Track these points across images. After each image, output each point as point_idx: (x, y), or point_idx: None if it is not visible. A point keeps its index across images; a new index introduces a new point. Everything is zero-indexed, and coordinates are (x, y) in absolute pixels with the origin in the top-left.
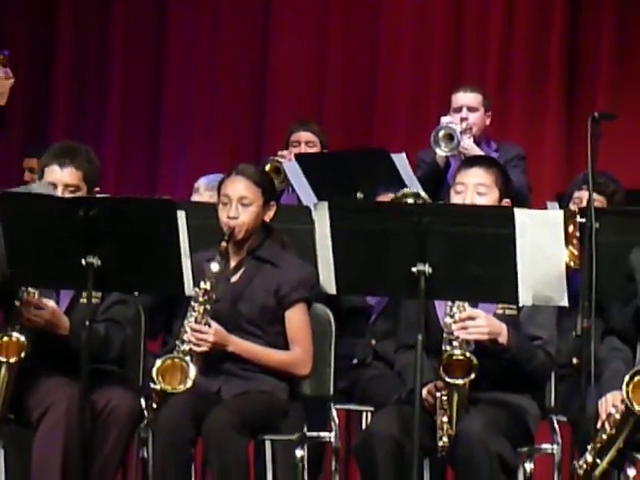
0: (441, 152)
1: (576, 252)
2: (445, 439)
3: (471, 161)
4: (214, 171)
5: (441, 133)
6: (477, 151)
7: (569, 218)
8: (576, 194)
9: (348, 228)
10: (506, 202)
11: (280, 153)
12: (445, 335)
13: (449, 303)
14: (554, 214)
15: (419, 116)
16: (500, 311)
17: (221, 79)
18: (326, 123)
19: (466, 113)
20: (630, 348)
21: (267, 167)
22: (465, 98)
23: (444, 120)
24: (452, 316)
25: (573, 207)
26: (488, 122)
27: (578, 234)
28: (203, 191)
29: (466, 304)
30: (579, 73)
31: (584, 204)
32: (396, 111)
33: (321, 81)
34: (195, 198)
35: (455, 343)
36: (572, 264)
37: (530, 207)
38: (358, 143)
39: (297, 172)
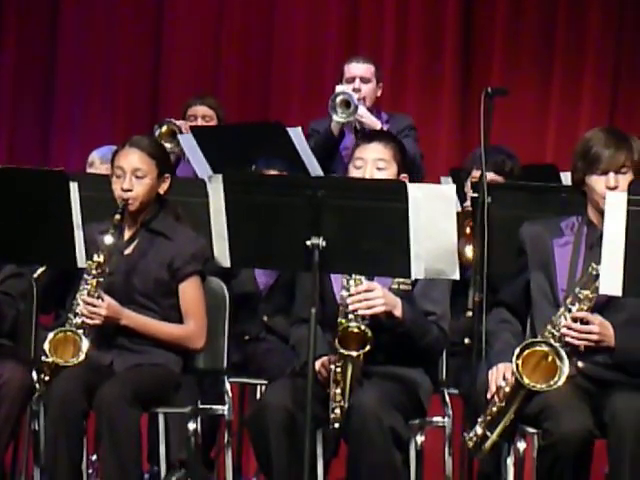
0: (338, 118)
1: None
2: (338, 411)
3: (370, 136)
4: (108, 143)
5: (338, 99)
6: (373, 120)
7: (466, 218)
8: (474, 172)
9: (242, 201)
10: (403, 177)
11: (177, 123)
12: (341, 308)
13: (345, 276)
14: (446, 189)
15: (314, 89)
16: (395, 286)
17: (117, 52)
18: (222, 97)
19: (359, 84)
20: (519, 321)
21: (163, 129)
22: (358, 69)
23: (339, 88)
24: (348, 289)
25: (469, 187)
26: (379, 93)
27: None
28: (99, 165)
29: (363, 278)
30: (474, 47)
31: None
32: (292, 84)
33: (217, 54)
34: (91, 172)
35: (350, 316)
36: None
37: (425, 175)
38: (254, 117)
39: (192, 145)
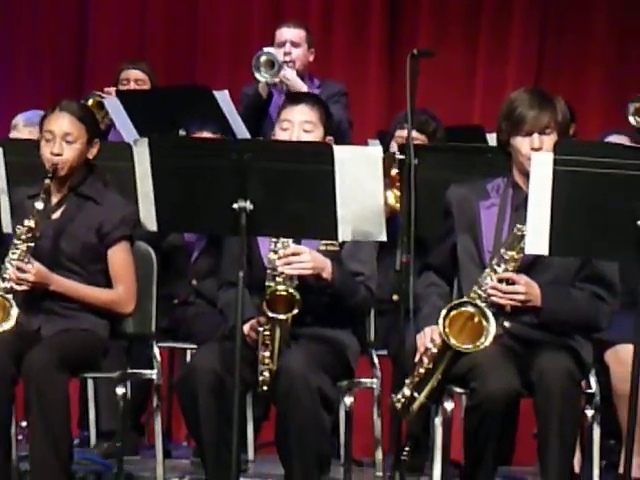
0: (261, 77)
1: (399, 193)
2: (266, 374)
3: (297, 98)
4: (34, 108)
5: (262, 58)
6: (299, 83)
7: (390, 160)
8: (397, 132)
9: (168, 165)
10: (329, 139)
11: (106, 90)
12: (268, 271)
13: (273, 239)
14: (373, 150)
15: (241, 53)
16: (323, 247)
17: (42, 18)
18: (148, 62)
19: (289, 48)
20: (447, 283)
21: (89, 102)
22: (289, 33)
23: (266, 49)
24: (276, 252)
25: (393, 148)
26: (311, 58)
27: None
28: (22, 127)
29: (290, 240)
30: (401, 9)
31: None
32: (218, 49)
33: (142, 19)
34: (14, 135)
35: (278, 279)
36: (398, 206)
37: (350, 141)
38: (181, 82)
39: (119, 108)
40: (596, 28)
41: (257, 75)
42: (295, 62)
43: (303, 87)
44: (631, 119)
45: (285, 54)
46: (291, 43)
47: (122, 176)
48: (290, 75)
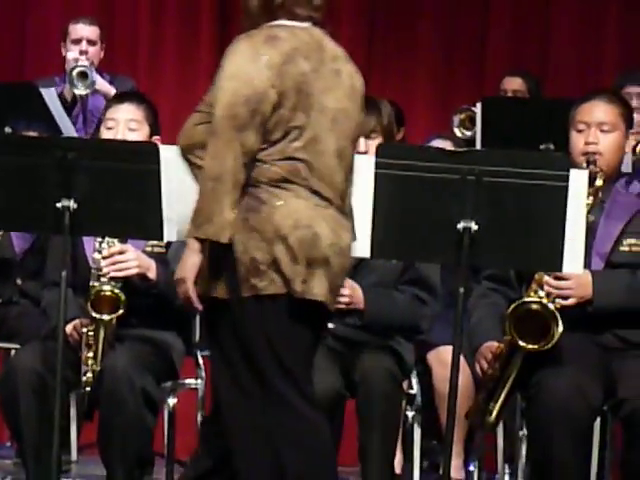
0: (79, 91)
1: None
2: (89, 375)
3: (121, 97)
4: None
5: (75, 72)
6: (107, 87)
7: None
8: None
9: None
10: (156, 139)
11: None
12: (93, 271)
13: (98, 239)
14: None
15: None
16: (149, 249)
17: None
18: None
19: (86, 46)
20: None
21: None
22: (85, 30)
23: (71, 56)
24: (100, 252)
25: None
26: (102, 55)
27: None
28: None
29: (116, 240)
30: (232, 7)
31: None
32: (48, 47)
33: None
34: None
35: (103, 279)
36: None
37: None
38: (9, 78)
39: None
40: (422, 32)
41: (75, 90)
42: (93, 60)
43: (111, 90)
44: (456, 131)
45: (81, 52)
46: (87, 41)
47: None
48: (99, 81)
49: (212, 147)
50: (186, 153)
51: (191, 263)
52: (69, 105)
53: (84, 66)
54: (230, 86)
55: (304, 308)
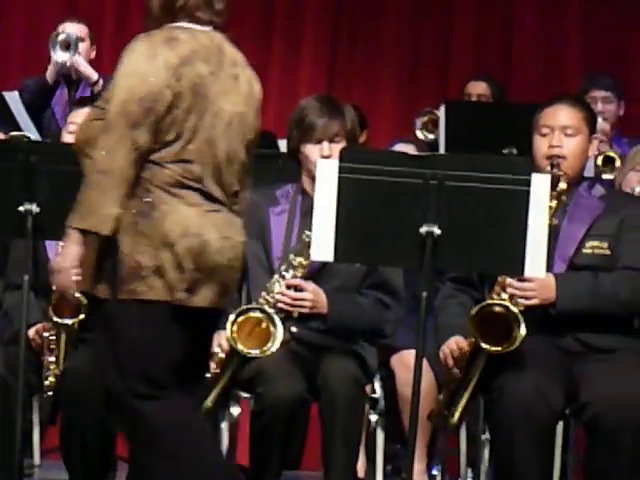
0: (55, 56)
1: None
2: (52, 379)
3: (84, 102)
4: None
5: (60, 37)
6: (90, 69)
7: None
8: None
9: None
10: None
11: None
12: None
13: (60, 243)
14: None
15: (34, 53)
16: None
17: None
18: None
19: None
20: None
21: None
22: (73, 28)
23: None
24: None
25: None
26: (93, 55)
27: None
28: None
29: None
30: None
31: None
32: (10, 49)
33: None
34: None
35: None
36: None
37: None
38: None
39: None
40: (388, 35)
41: (52, 53)
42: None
43: (93, 75)
44: (419, 134)
45: None
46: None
47: None
48: (82, 62)
49: (104, 142)
50: (82, 147)
51: (70, 253)
52: (50, 88)
53: (69, 34)
54: (126, 84)
55: (189, 314)
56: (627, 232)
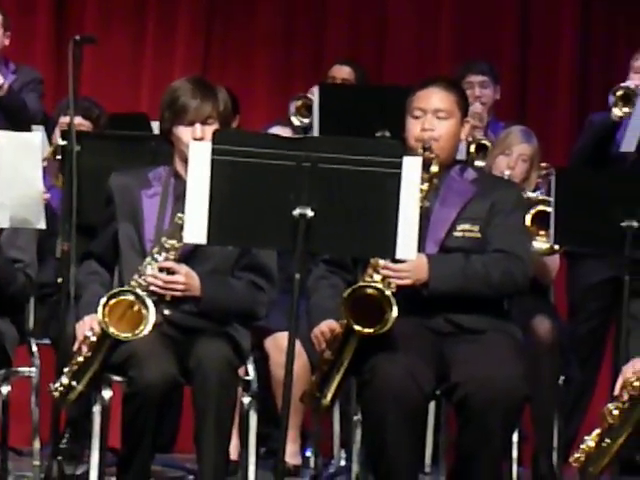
0: None
1: None
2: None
3: None
4: None
5: None
6: None
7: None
8: (61, 119)
9: None
10: None
11: None
12: None
13: None
14: (31, 137)
15: None
16: None
17: None
18: None
19: None
20: (108, 271)
21: None
22: None
23: None
24: None
25: (57, 135)
26: (7, 42)
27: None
28: None
29: None
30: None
31: None
32: None
33: None
34: None
35: None
36: None
37: None
38: None
39: None
40: (262, 19)
41: None
42: None
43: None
44: (293, 118)
45: None
46: None
47: None
48: None
49: None
50: None
51: None
52: None
53: None
54: None
55: None
56: (497, 216)
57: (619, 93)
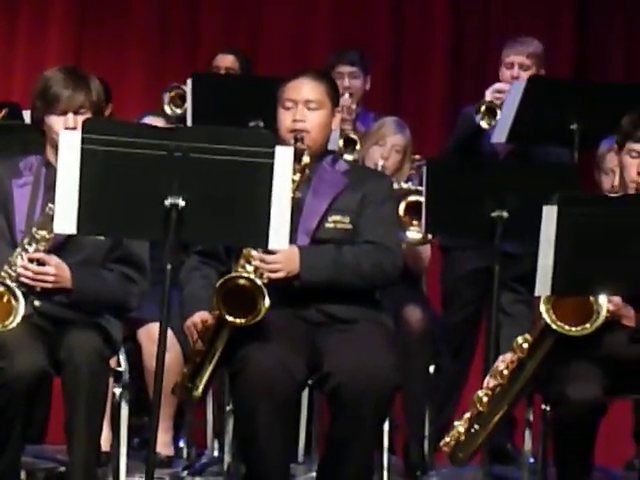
0: None
1: None
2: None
3: None
4: None
5: None
6: None
7: None
8: None
9: None
10: None
11: None
12: None
13: None
14: None
15: None
16: None
17: None
18: None
19: None
20: None
21: None
22: None
23: None
24: None
25: None
26: None
27: None
28: None
29: None
30: None
31: None
32: None
33: None
34: None
35: None
36: None
37: None
38: None
39: None
40: (137, 8)
41: None
42: None
43: None
44: (167, 108)
45: None
46: None
47: None
48: None
49: None
50: None
51: None
52: None
53: None
54: None
55: None
56: (368, 207)
57: (482, 109)
